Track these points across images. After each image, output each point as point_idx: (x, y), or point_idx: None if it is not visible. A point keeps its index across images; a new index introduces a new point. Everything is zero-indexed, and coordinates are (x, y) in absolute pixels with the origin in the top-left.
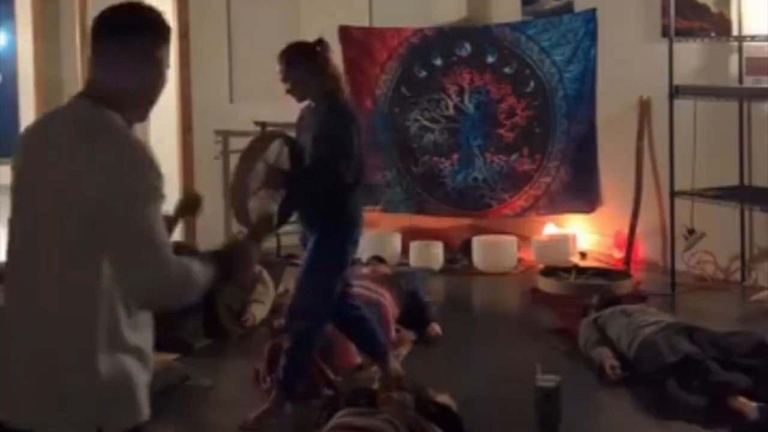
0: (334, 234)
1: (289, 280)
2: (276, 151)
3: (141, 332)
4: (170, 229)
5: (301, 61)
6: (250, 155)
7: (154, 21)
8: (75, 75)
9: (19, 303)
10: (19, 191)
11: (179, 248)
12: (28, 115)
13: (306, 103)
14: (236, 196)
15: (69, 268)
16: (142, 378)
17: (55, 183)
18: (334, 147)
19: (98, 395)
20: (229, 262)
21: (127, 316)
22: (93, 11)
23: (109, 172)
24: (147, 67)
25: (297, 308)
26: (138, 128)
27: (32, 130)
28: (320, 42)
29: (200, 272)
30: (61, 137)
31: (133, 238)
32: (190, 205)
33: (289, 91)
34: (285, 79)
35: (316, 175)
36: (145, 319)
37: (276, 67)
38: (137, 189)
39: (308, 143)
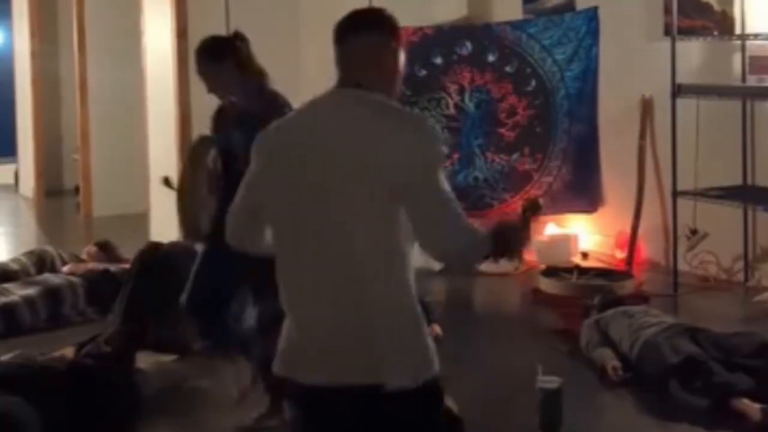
0: None
1: None
2: (213, 154)
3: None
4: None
5: (226, 57)
6: (196, 161)
7: (389, 19)
8: (72, 73)
9: (316, 270)
10: (293, 171)
11: (175, 247)
12: (25, 113)
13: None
14: (191, 203)
15: (371, 231)
16: (425, 330)
17: (354, 159)
18: None
19: (401, 353)
20: (503, 236)
21: (410, 275)
22: (90, 10)
23: (412, 144)
24: (389, 58)
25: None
26: (135, 128)
27: (297, 121)
28: (238, 35)
29: (484, 237)
30: (351, 119)
31: (436, 199)
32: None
33: (211, 90)
34: (208, 77)
35: None
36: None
37: (274, 65)
38: (434, 156)
39: (241, 143)
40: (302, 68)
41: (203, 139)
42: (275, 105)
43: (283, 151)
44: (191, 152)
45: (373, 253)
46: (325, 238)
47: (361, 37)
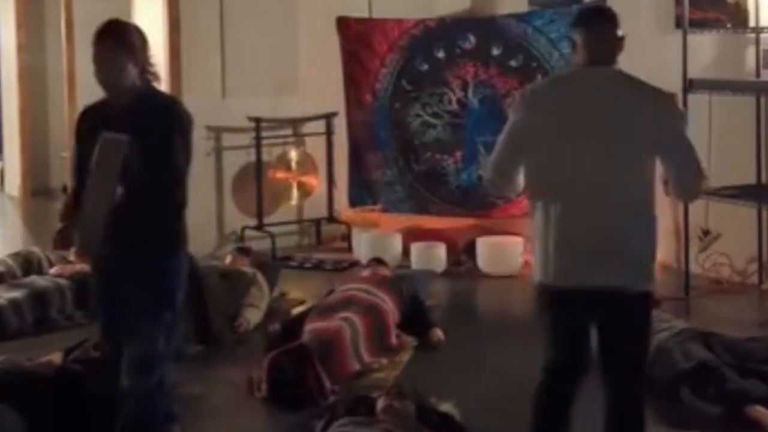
0: (174, 257)
1: (285, 284)
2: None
3: None
4: None
5: (136, 49)
6: (105, 167)
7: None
8: (60, 65)
9: (595, 204)
10: (575, 124)
11: None
12: (10, 108)
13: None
14: (92, 215)
15: (639, 181)
16: None
17: (626, 119)
18: (188, 151)
19: (651, 262)
20: None
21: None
22: (78, 2)
23: (663, 106)
24: (619, 45)
25: (142, 362)
26: None
27: (570, 85)
28: (138, 30)
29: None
30: (614, 88)
31: (686, 145)
32: None
33: (109, 81)
34: (111, 65)
35: (171, 184)
36: None
37: (271, 60)
38: (683, 120)
39: (136, 149)
40: (300, 57)
41: (114, 142)
42: (181, 109)
43: (563, 108)
44: (99, 156)
45: (645, 187)
46: (602, 175)
47: (608, 28)
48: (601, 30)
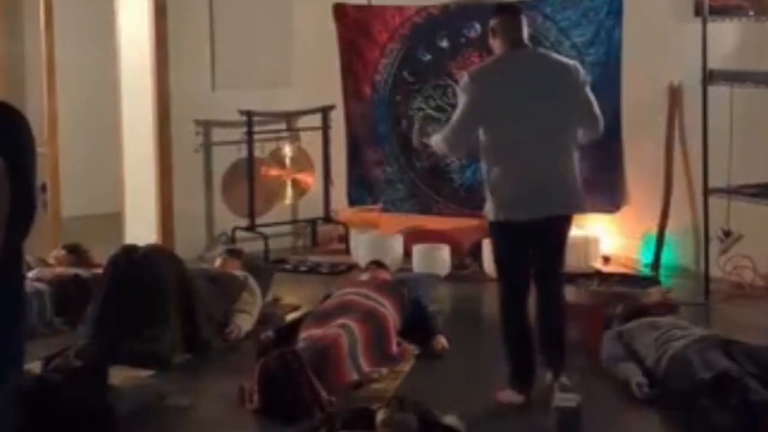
0: (22, 316)
1: (278, 288)
2: None
3: None
4: None
5: None
6: None
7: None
8: (39, 53)
9: (535, 157)
10: (519, 92)
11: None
12: None
13: None
14: None
15: (563, 134)
16: None
17: (554, 83)
18: (33, 167)
19: (581, 192)
20: None
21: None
22: None
23: (577, 77)
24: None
25: None
26: (109, 117)
27: (508, 63)
28: None
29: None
30: (539, 66)
31: (594, 109)
32: None
33: None
34: None
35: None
36: None
37: (263, 50)
38: (587, 81)
39: None
40: (295, 47)
41: None
42: (27, 127)
43: (506, 80)
44: None
45: (568, 138)
46: (541, 130)
47: (521, 17)
48: (520, 20)
